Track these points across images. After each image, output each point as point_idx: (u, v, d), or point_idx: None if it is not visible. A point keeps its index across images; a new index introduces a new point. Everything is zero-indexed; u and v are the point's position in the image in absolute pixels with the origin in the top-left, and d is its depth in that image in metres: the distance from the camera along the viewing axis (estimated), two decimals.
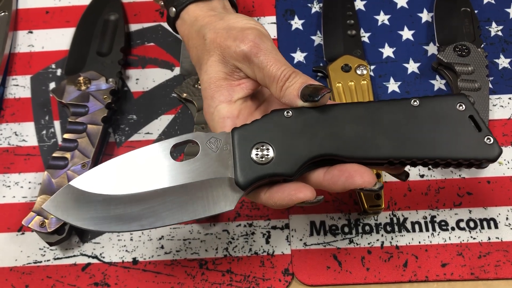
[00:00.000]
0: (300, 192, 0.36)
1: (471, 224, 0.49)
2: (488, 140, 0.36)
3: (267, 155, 0.36)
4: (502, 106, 0.54)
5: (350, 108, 0.37)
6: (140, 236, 0.49)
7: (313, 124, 0.36)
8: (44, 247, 0.49)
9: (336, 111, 0.37)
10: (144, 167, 0.37)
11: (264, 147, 0.36)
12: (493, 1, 0.59)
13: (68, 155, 0.50)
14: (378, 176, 0.49)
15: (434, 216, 0.49)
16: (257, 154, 0.36)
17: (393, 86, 0.55)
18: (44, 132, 0.54)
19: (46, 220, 0.47)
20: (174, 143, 0.38)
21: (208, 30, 0.41)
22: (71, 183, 0.37)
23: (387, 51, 0.57)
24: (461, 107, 0.37)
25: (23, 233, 0.50)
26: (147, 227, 0.36)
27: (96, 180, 0.36)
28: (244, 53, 0.38)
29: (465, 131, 0.36)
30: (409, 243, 0.48)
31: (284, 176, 0.36)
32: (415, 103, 0.37)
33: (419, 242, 0.48)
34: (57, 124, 0.55)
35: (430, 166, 0.38)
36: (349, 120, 0.36)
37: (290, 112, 0.37)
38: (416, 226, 0.49)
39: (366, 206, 0.48)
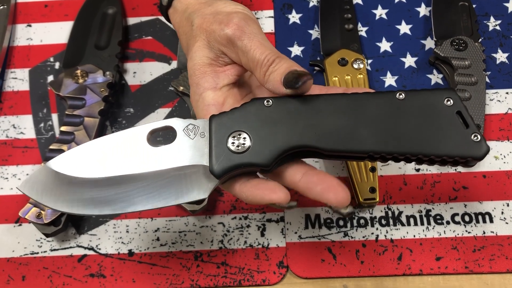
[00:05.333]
0: (273, 193, 0.34)
1: (466, 218, 0.49)
2: (475, 138, 0.35)
3: (243, 144, 0.35)
4: (499, 101, 0.54)
5: (333, 100, 0.36)
6: (136, 228, 0.50)
7: (293, 114, 0.36)
8: (41, 238, 0.50)
9: (319, 102, 0.36)
10: (121, 150, 0.37)
11: (241, 136, 0.35)
12: None
13: (65, 147, 0.50)
14: (373, 169, 0.49)
15: (429, 210, 0.50)
16: (233, 143, 0.35)
17: (390, 80, 0.55)
18: (42, 124, 0.55)
19: (42, 212, 0.47)
20: (151, 129, 0.37)
21: (196, 16, 0.40)
22: (47, 163, 0.37)
23: (384, 45, 0.57)
24: (448, 102, 0.36)
25: (20, 225, 0.50)
26: (118, 211, 0.36)
27: (71, 162, 0.36)
28: (228, 36, 0.38)
29: (451, 127, 0.35)
30: (404, 236, 0.49)
31: (259, 167, 0.35)
32: (401, 96, 0.36)
33: (414, 236, 0.49)
34: (54, 117, 0.55)
35: (414, 162, 0.37)
36: (331, 111, 0.36)
37: (271, 101, 0.36)
38: (411, 220, 0.49)
39: (361, 199, 0.48)
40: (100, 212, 0.36)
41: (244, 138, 0.35)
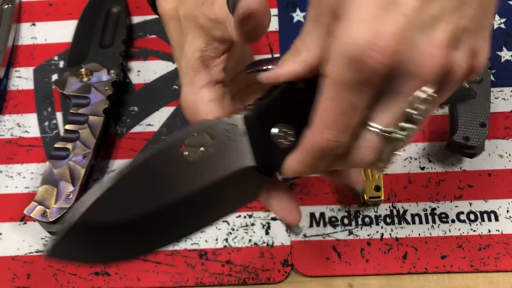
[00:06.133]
0: (290, 214, 0.35)
1: (472, 217, 0.49)
2: None
3: (289, 138, 0.31)
4: (504, 99, 0.54)
5: None
6: None
7: None
8: (46, 236, 0.50)
9: None
10: (154, 176, 0.31)
11: (285, 130, 0.31)
12: None
13: (69, 145, 0.50)
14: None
15: (434, 209, 0.49)
16: (278, 137, 0.31)
17: None
18: (46, 123, 0.55)
19: (47, 210, 0.47)
20: (181, 143, 0.31)
21: (182, 7, 0.38)
22: (71, 219, 0.30)
23: None
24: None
25: (25, 223, 0.50)
26: (171, 243, 0.33)
27: (99, 205, 0.30)
28: (204, 15, 0.34)
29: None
30: (409, 235, 0.48)
31: None
32: None
33: (419, 234, 0.48)
34: (59, 115, 0.55)
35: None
36: None
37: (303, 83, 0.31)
38: (416, 218, 0.49)
39: (366, 197, 0.48)
40: (151, 250, 0.33)
41: (290, 132, 0.31)
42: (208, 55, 0.37)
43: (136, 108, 0.55)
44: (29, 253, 0.49)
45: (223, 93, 0.38)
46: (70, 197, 0.48)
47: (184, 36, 0.38)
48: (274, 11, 0.59)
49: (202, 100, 0.37)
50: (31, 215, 0.47)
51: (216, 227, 0.49)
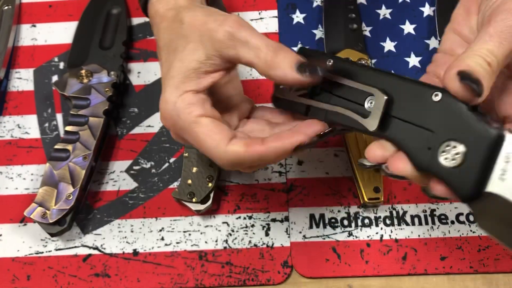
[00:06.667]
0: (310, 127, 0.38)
1: (471, 218, 0.49)
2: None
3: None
4: None
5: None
6: (140, 228, 0.50)
7: None
8: (46, 238, 0.50)
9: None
10: None
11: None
12: None
13: (69, 147, 0.50)
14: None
15: (434, 210, 0.49)
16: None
17: None
18: (46, 124, 0.55)
19: (47, 211, 0.47)
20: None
21: (187, 14, 0.39)
22: None
23: (389, 45, 0.57)
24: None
25: (25, 224, 0.50)
26: None
27: None
28: (226, 31, 0.36)
29: None
30: (409, 236, 0.49)
31: None
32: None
33: (419, 236, 0.49)
34: (59, 116, 0.55)
35: None
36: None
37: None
38: (416, 220, 0.49)
39: (365, 198, 0.48)
40: None
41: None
42: (205, 69, 0.38)
43: (136, 110, 0.55)
44: (29, 254, 0.49)
45: (204, 99, 0.38)
46: (70, 198, 0.48)
47: (183, 41, 0.38)
48: (274, 12, 0.59)
49: (184, 101, 0.37)
50: (31, 216, 0.47)
51: (216, 229, 0.50)
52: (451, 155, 0.32)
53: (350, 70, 0.37)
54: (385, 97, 0.34)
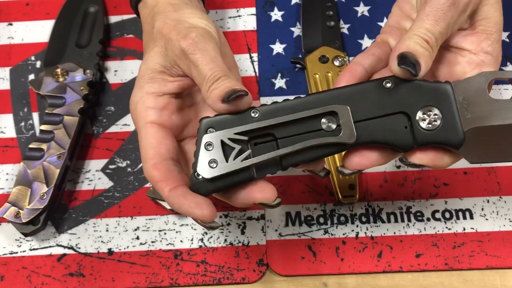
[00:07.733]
0: (260, 193, 0.36)
1: (447, 215, 0.49)
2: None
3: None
4: None
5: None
6: (115, 227, 0.50)
7: None
8: (20, 238, 0.49)
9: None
10: None
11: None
12: None
13: (44, 146, 0.50)
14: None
15: (410, 207, 0.49)
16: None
17: None
18: (22, 123, 0.54)
19: (21, 211, 0.47)
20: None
21: (159, 18, 0.40)
22: None
23: (366, 43, 0.57)
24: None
25: None
26: None
27: None
28: (182, 48, 0.37)
29: None
30: (384, 233, 0.48)
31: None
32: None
33: (394, 233, 0.48)
34: (35, 116, 0.55)
35: None
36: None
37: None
38: (392, 217, 0.49)
39: (340, 196, 0.48)
40: None
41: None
42: (170, 73, 0.39)
43: (112, 108, 0.55)
44: (3, 254, 0.49)
45: (166, 104, 0.39)
46: (44, 197, 0.48)
47: (152, 44, 0.40)
48: (252, 10, 0.59)
49: (143, 104, 0.38)
50: (4, 216, 0.47)
51: (192, 227, 0.49)
52: (430, 118, 0.36)
53: (285, 107, 0.36)
54: (347, 107, 0.35)
